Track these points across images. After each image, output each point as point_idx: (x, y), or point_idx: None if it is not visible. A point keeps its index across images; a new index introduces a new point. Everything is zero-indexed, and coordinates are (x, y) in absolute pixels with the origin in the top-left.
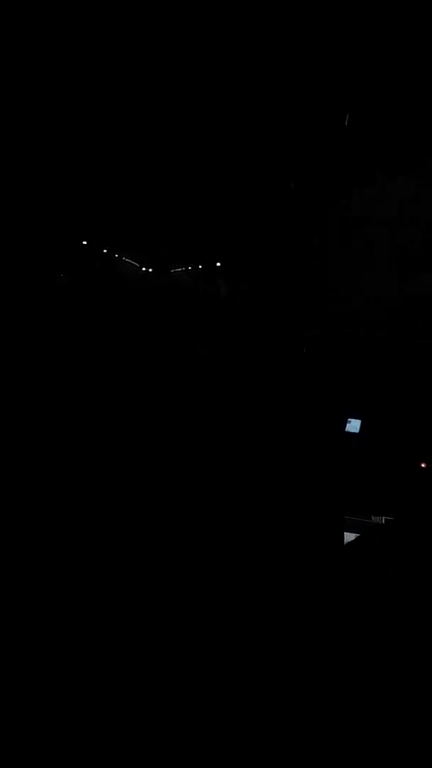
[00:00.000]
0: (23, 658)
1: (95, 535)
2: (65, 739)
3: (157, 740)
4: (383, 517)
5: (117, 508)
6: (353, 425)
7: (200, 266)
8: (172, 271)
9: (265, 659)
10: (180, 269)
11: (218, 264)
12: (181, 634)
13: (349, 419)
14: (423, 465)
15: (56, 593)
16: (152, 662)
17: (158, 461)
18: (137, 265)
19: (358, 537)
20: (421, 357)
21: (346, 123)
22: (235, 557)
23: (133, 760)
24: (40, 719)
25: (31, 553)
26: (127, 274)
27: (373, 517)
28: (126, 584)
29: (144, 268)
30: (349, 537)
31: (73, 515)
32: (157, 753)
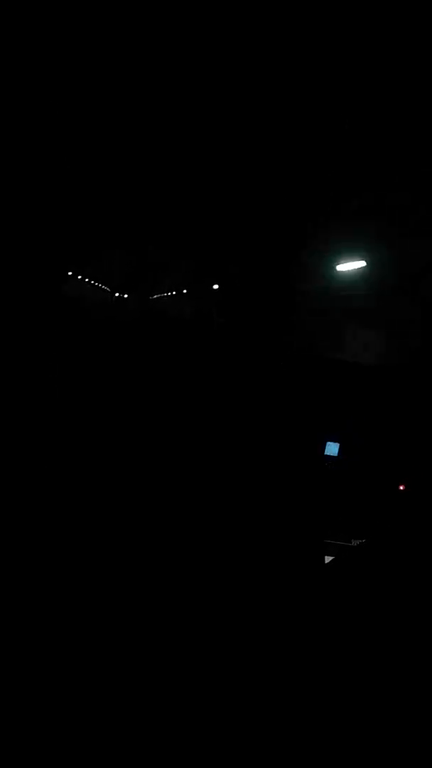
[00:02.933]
0: (23, 658)
1: (80, 543)
2: (65, 738)
3: (157, 740)
4: (362, 541)
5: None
6: (332, 448)
7: (185, 291)
8: (155, 296)
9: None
10: (165, 294)
11: (215, 286)
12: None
13: (328, 442)
14: (402, 488)
15: (56, 592)
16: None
17: (138, 481)
18: (108, 290)
19: (334, 560)
20: (400, 378)
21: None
22: (214, 582)
23: (133, 760)
24: (39, 718)
25: (31, 552)
26: (94, 302)
27: (353, 540)
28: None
29: (117, 294)
30: (329, 559)
31: (62, 518)
32: (157, 752)
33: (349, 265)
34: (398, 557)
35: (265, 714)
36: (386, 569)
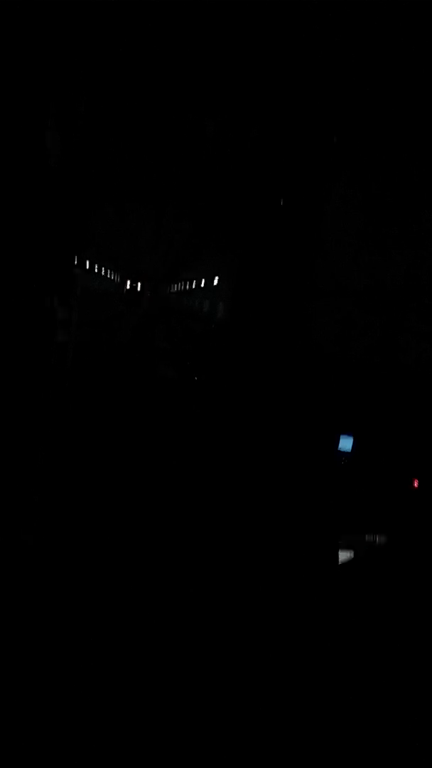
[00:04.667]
0: (23, 657)
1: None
2: (65, 738)
3: (157, 739)
4: (377, 536)
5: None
6: (345, 443)
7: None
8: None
9: (259, 682)
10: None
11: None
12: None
13: (342, 437)
14: (416, 483)
15: (55, 592)
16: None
17: (148, 473)
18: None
19: (353, 558)
20: (414, 374)
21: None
22: (227, 578)
23: (132, 760)
24: (39, 718)
25: (31, 552)
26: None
27: (366, 535)
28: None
29: (132, 284)
30: (343, 556)
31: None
32: (157, 752)
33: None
34: (412, 553)
35: (267, 709)
36: (401, 564)
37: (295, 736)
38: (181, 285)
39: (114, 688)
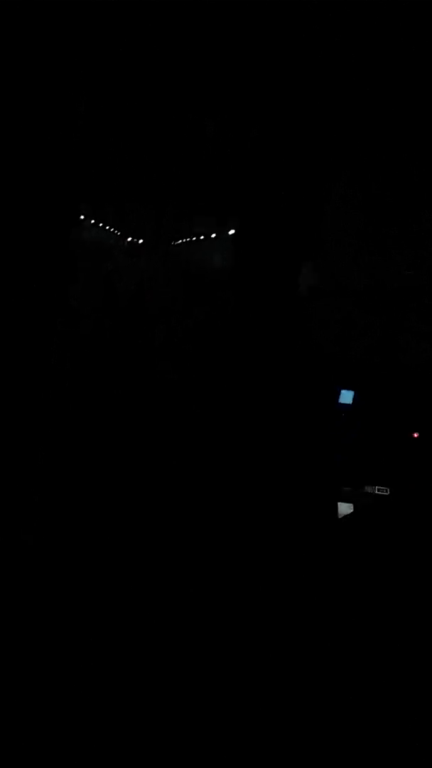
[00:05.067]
0: (23, 657)
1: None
2: (65, 738)
3: (157, 739)
4: (376, 487)
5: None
6: (345, 396)
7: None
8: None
9: (262, 642)
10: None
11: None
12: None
13: (342, 390)
14: (415, 435)
15: (55, 592)
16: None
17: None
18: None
19: (353, 511)
20: (414, 328)
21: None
22: (228, 532)
23: (132, 760)
24: (39, 718)
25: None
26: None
27: (366, 487)
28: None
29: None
30: (342, 507)
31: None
32: (157, 752)
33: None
34: (414, 504)
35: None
36: (402, 516)
37: (296, 733)
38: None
39: (114, 688)
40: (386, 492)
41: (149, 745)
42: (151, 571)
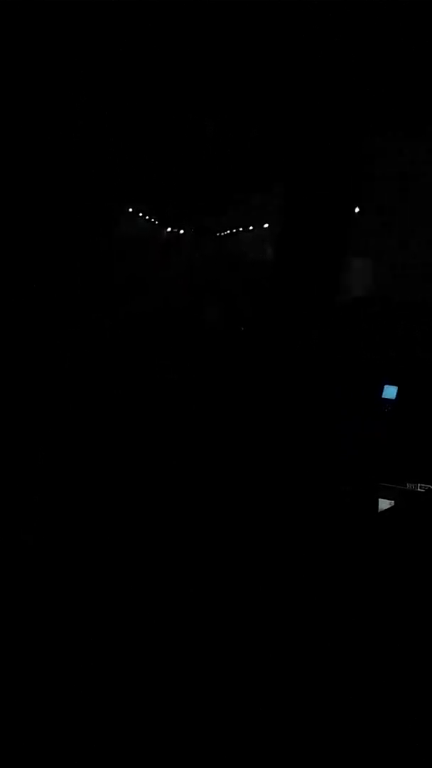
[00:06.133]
0: (23, 657)
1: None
2: (65, 738)
3: (157, 739)
4: (418, 484)
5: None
6: (389, 391)
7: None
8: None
9: (266, 641)
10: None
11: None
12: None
13: (386, 385)
14: None
15: (55, 592)
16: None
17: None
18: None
19: (393, 506)
20: None
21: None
22: (264, 521)
23: (132, 760)
24: (39, 718)
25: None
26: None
27: (407, 483)
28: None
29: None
30: (383, 504)
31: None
32: (157, 751)
33: None
34: None
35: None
36: None
37: (299, 733)
38: None
39: (114, 687)
40: (429, 489)
41: (149, 745)
42: (151, 571)
